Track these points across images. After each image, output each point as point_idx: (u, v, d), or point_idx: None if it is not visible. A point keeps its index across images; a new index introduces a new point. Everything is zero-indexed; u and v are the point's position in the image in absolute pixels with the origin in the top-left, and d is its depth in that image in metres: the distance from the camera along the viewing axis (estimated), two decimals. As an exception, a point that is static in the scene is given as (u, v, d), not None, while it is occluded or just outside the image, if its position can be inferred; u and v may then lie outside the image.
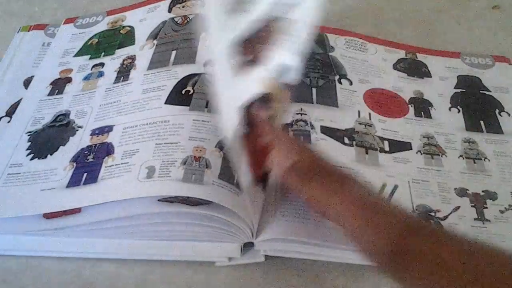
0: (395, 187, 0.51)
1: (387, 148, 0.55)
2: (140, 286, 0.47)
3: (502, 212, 0.50)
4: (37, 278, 0.47)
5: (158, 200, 0.45)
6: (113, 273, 0.48)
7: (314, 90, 0.60)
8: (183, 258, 0.48)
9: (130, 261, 0.48)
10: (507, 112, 0.60)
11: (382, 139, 0.56)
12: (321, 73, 0.63)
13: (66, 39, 0.67)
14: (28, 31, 0.69)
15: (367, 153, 0.54)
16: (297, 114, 0.57)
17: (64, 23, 0.70)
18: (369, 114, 0.59)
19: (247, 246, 0.48)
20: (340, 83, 0.62)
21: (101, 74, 0.59)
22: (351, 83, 0.62)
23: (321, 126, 0.56)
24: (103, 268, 0.48)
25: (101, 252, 0.48)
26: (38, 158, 0.52)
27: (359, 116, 0.58)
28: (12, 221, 0.47)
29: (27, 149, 0.53)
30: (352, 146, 0.55)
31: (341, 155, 0.53)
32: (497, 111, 0.60)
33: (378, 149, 0.55)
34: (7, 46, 0.67)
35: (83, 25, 0.69)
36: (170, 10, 0.66)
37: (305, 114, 0.57)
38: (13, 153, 0.53)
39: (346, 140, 0.55)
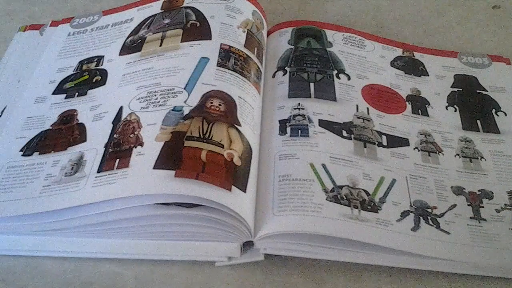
0: (393, 181, 0.52)
1: (385, 143, 0.56)
2: (140, 286, 0.47)
3: (498, 211, 0.50)
4: (37, 278, 0.47)
5: (155, 203, 0.45)
6: (113, 273, 0.48)
7: (312, 84, 0.60)
8: (183, 258, 0.48)
9: (130, 261, 0.48)
10: (503, 112, 0.61)
11: (380, 133, 0.56)
12: (319, 68, 0.63)
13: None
14: (24, 31, 0.69)
15: (365, 147, 0.55)
16: (295, 109, 0.57)
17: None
18: (367, 109, 0.59)
19: (247, 245, 0.48)
20: (338, 78, 0.62)
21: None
22: (349, 78, 0.62)
23: (319, 120, 0.56)
24: (103, 268, 0.48)
25: (101, 252, 0.48)
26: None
27: (357, 110, 0.58)
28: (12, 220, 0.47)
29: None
30: (351, 139, 0.55)
31: (339, 147, 0.54)
32: (493, 110, 0.61)
33: (376, 143, 0.55)
34: (7, 46, 0.67)
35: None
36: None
37: (303, 109, 0.57)
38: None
39: (345, 133, 0.55)
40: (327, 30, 0.69)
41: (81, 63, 0.63)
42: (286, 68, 0.63)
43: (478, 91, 0.63)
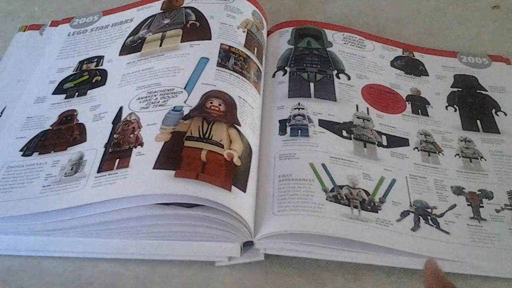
0: (393, 181, 0.52)
1: (385, 143, 0.56)
2: (140, 286, 0.47)
3: (498, 211, 0.50)
4: (37, 278, 0.47)
5: (155, 204, 0.45)
6: (113, 273, 0.48)
7: (312, 84, 0.61)
8: (183, 258, 0.48)
9: (130, 261, 0.48)
10: (503, 112, 0.60)
11: (380, 133, 0.56)
12: (319, 68, 0.63)
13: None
14: (24, 31, 0.69)
15: (365, 147, 0.55)
16: (295, 109, 0.57)
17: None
18: (367, 108, 0.59)
19: (247, 245, 0.48)
20: (338, 78, 0.62)
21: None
22: (349, 78, 0.62)
23: (319, 120, 0.56)
24: (103, 268, 0.48)
25: (101, 252, 0.48)
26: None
27: (357, 110, 0.58)
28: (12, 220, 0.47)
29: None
30: (351, 139, 0.55)
31: (339, 147, 0.54)
32: (493, 110, 0.61)
33: (376, 143, 0.55)
34: (7, 46, 0.67)
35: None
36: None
37: (303, 109, 0.57)
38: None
39: (345, 133, 0.55)
40: (327, 30, 0.69)
41: (81, 63, 0.63)
42: (286, 68, 0.63)
43: (478, 91, 0.63)
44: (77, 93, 0.58)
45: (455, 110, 0.61)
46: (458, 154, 0.56)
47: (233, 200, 0.45)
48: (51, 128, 0.55)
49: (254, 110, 0.55)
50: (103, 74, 0.60)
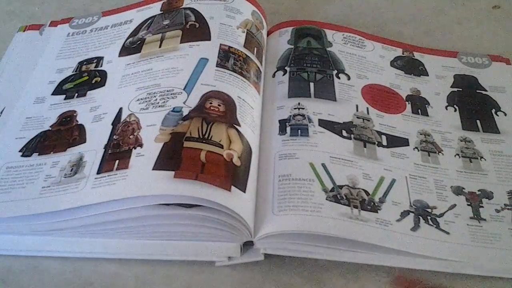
0: (393, 181, 0.52)
1: (384, 143, 0.56)
2: (140, 286, 0.47)
3: (498, 211, 0.50)
4: (37, 278, 0.47)
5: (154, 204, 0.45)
6: (113, 273, 0.48)
7: (312, 84, 0.61)
8: (183, 258, 0.48)
9: (130, 261, 0.48)
10: (503, 112, 0.60)
11: (380, 133, 0.56)
12: (319, 67, 0.63)
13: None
14: (24, 31, 0.69)
15: (365, 147, 0.55)
16: (295, 109, 0.57)
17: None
18: (367, 108, 0.59)
19: (247, 245, 0.48)
20: (338, 77, 0.62)
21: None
22: (349, 78, 0.62)
23: (319, 120, 0.56)
24: (103, 268, 0.48)
25: (101, 252, 0.48)
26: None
27: (357, 110, 0.58)
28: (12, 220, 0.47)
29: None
30: (350, 139, 0.55)
31: (339, 147, 0.54)
32: (493, 110, 0.61)
33: (376, 143, 0.55)
34: (7, 46, 0.67)
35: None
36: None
37: (303, 109, 0.57)
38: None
39: (344, 133, 0.55)
40: (327, 30, 0.69)
41: (81, 64, 0.63)
42: (286, 68, 0.63)
43: (478, 91, 0.63)
44: (76, 94, 0.59)
45: (455, 110, 0.61)
46: (458, 154, 0.56)
47: (232, 200, 0.45)
48: (50, 128, 0.55)
49: (254, 110, 0.55)
50: (103, 75, 0.60)
